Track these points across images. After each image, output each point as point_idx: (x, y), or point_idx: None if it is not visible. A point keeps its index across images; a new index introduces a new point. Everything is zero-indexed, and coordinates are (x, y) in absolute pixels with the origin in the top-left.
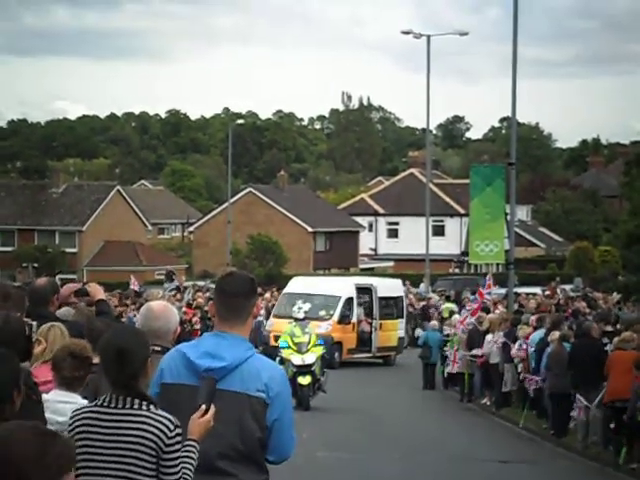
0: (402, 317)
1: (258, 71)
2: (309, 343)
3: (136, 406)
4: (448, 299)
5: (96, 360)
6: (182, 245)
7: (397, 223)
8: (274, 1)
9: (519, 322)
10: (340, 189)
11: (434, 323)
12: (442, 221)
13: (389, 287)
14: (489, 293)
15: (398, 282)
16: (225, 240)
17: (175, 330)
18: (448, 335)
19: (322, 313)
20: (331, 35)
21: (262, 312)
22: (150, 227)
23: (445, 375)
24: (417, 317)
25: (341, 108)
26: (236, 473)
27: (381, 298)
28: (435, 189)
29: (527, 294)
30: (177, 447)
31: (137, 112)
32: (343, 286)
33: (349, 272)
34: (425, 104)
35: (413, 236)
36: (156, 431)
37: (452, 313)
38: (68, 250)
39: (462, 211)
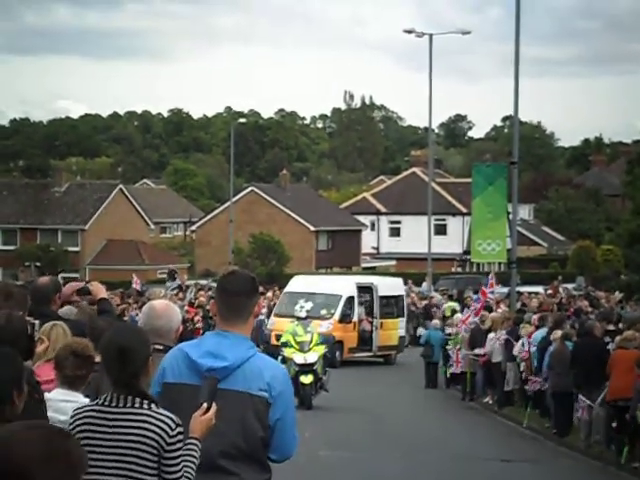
0: (403, 316)
1: (260, 70)
2: (311, 342)
3: (137, 405)
4: (451, 298)
5: (98, 359)
6: (184, 244)
7: (399, 222)
8: (275, 1)
9: (521, 321)
10: (342, 188)
11: (436, 322)
12: (444, 220)
13: (390, 286)
14: (492, 292)
15: (399, 281)
16: (227, 239)
17: (177, 329)
18: (450, 334)
19: (323, 312)
20: (333, 34)
21: (264, 311)
22: (152, 226)
23: (448, 375)
24: (419, 316)
25: (343, 107)
26: (238, 472)
27: (382, 297)
28: (437, 188)
29: (529, 293)
30: (179, 446)
31: (139, 111)
32: (344, 285)
33: (351, 271)
34: (427, 103)
35: (415, 235)
36: (158, 430)
37: (454, 312)
38: (70, 249)
39: (464, 210)
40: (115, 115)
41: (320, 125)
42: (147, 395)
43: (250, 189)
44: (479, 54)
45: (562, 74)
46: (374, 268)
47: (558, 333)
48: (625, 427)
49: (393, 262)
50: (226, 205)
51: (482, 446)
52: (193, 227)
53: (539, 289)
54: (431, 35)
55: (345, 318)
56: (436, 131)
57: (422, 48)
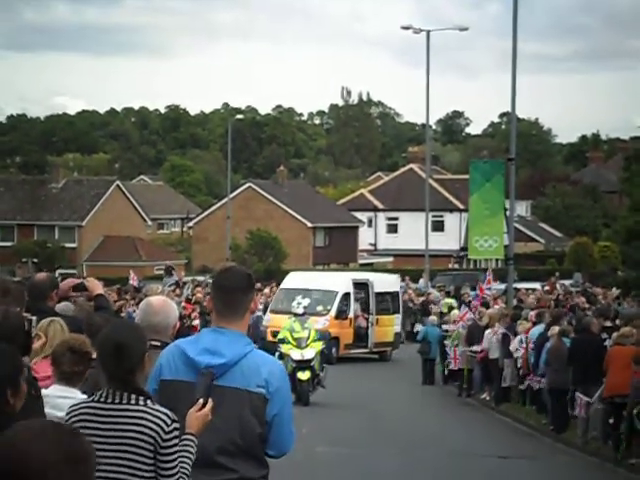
0: (398, 312)
1: (258, 66)
2: (308, 338)
3: (133, 401)
4: (448, 294)
5: (95, 355)
6: (181, 240)
7: (396, 218)
8: None
9: (519, 317)
10: (339, 184)
11: (433, 318)
12: (441, 216)
13: (385, 282)
14: (489, 288)
15: (394, 277)
16: (224, 235)
17: (174, 325)
18: (447, 331)
19: (319, 308)
20: (331, 30)
21: (260, 307)
22: (150, 222)
23: (445, 372)
24: (416, 312)
25: (340, 103)
26: (236, 468)
27: (377, 293)
28: (434, 184)
29: (526, 289)
30: (175, 441)
31: (137, 107)
32: (340, 281)
33: (348, 267)
34: (425, 99)
35: (412, 231)
36: (153, 426)
37: (451, 308)
38: (67, 245)
39: (461, 206)
40: (112, 111)
41: (317, 121)
42: (143, 391)
43: (247, 185)
44: (477, 50)
45: (560, 70)
46: (371, 264)
47: (555, 329)
48: (622, 424)
49: (390, 258)
50: (223, 201)
51: (479, 442)
52: (190, 223)
53: (536, 285)
54: (429, 31)
55: (341, 314)
56: (433, 127)
57: (420, 44)
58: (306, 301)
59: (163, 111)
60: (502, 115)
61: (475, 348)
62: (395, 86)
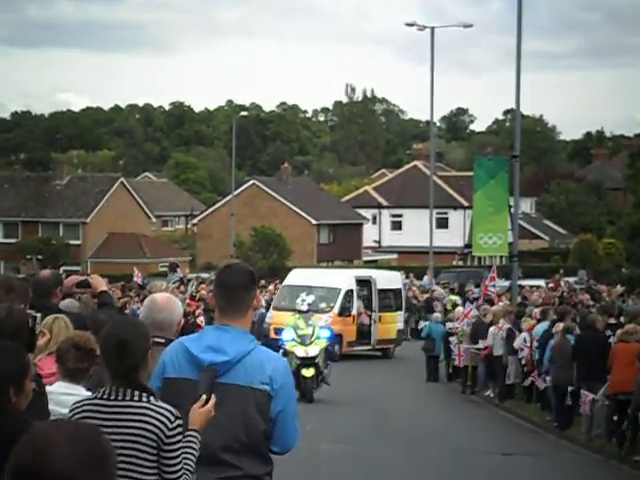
0: (401, 309)
1: (262, 64)
2: (312, 335)
3: (136, 398)
4: (452, 291)
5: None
6: (186, 237)
7: (401, 215)
8: None
9: (523, 314)
10: (344, 181)
11: (437, 315)
12: (446, 213)
13: (388, 279)
14: (493, 285)
15: (397, 274)
16: (229, 232)
17: (179, 322)
18: (451, 329)
19: (322, 305)
20: (335, 27)
21: (263, 303)
22: (154, 219)
23: (450, 370)
24: (421, 309)
25: (345, 100)
26: (241, 465)
27: (380, 290)
28: (439, 181)
29: (531, 287)
30: (178, 438)
31: (141, 104)
32: (343, 278)
33: (353, 264)
34: (429, 96)
35: (417, 228)
36: (157, 422)
37: (455, 305)
38: (72, 242)
39: (466, 204)
40: (117, 108)
41: (322, 118)
42: (146, 388)
43: (252, 182)
44: (481, 47)
45: (564, 67)
46: (376, 262)
47: (560, 326)
48: (626, 421)
49: (394, 255)
50: (228, 198)
51: (483, 439)
52: (194, 220)
53: (541, 283)
54: (433, 28)
55: (344, 312)
56: (438, 124)
57: (424, 41)
58: (310, 298)
59: (167, 108)
60: (506, 112)
61: (479, 345)
62: (399, 83)
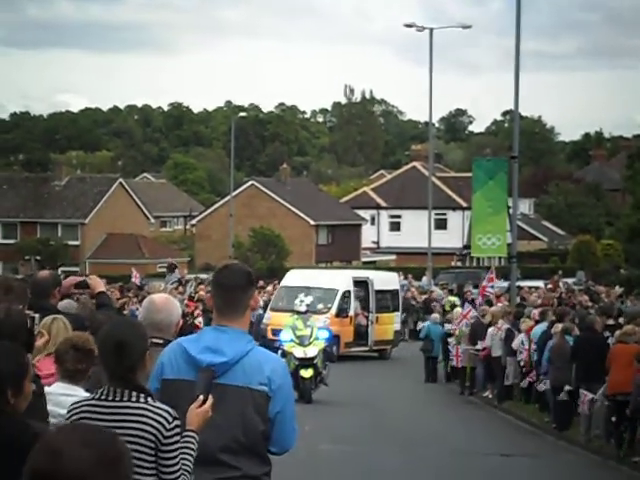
0: (398, 310)
1: (261, 64)
2: (311, 336)
3: (134, 398)
4: (451, 292)
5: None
6: (184, 238)
7: (399, 216)
8: None
9: (522, 315)
10: (342, 182)
11: (435, 316)
12: (444, 214)
13: (385, 280)
14: (492, 286)
15: (394, 275)
16: (227, 233)
17: (177, 323)
18: (450, 330)
19: (320, 306)
20: (334, 28)
21: (260, 304)
22: (152, 220)
23: (448, 370)
24: (419, 310)
25: (343, 101)
26: (239, 466)
27: (377, 291)
28: (437, 182)
29: (529, 287)
30: (176, 439)
31: (140, 105)
32: (341, 279)
33: (351, 265)
34: (428, 97)
35: (415, 229)
36: (155, 423)
37: (454, 306)
38: (70, 243)
39: (464, 204)
40: (115, 109)
41: (320, 119)
42: (144, 389)
43: (250, 183)
44: (479, 48)
45: (562, 68)
46: (374, 262)
47: (558, 327)
48: (625, 421)
49: (393, 256)
50: (226, 199)
51: (481, 440)
52: (193, 221)
53: (539, 283)
54: (432, 29)
55: (342, 313)
56: (436, 125)
57: (423, 42)
58: (309, 299)
59: (166, 109)
60: (505, 113)
61: (478, 346)
62: (398, 84)
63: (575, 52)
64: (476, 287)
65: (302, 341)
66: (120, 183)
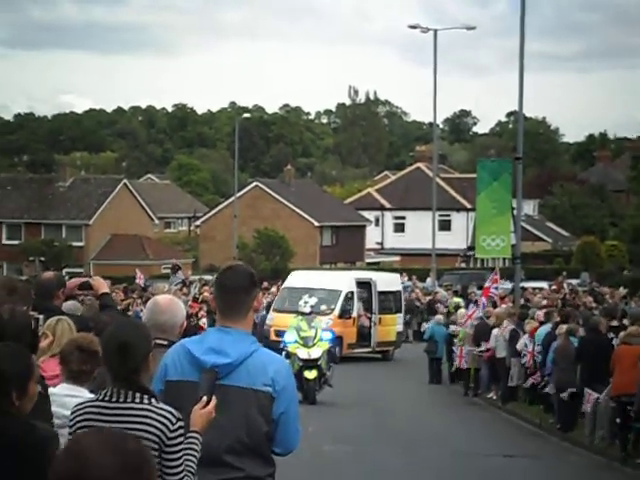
0: (400, 312)
1: (265, 65)
2: (315, 337)
3: (137, 400)
4: (456, 294)
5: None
6: (189, 239)
7: (403, 217)
8: None
9: (526, 317)
10: (347, 183)
11: (439, 317)
12: (448, 215)
13: (387, 281)
14: (496, 287)
15: (396, 276)
16: (231, 234)
17: (181, 324)
18: (454, 331)
19: (323, 308)
20: (338, 29)
21: (263, 304)
22: (157, 221)
23: (453, 370)
24: (423, 312)
25: (348, 102)
26: (243, 467)
27: (380, 292)
28: (442, 183)
29: (534, 289)
30: (180, 440)
31: (144, 106)
32: (343, 280)
33: (355, 266)
34: (432, 98)
35: (419, 230)
36: (158, 424)
37: (457, 307)
38: (75, 244)
39: (469, 205)
40: (119, 110)
41: (325, 120)
42: (147, 390)
43: (254, 184)
44: (484, 49)
45: (566, 69)
46: (378, 264)
47: (563, 328)
48: (629, 423)
49: (397, 258)
50: (230, 200)
51: (485, 441)
52: (197, 222)
53: (543, 285)
54: (436, 30)
55: (345, 314)
56: (440, 126)
57: (427, 43)
58: (313, 300)
59: (170, 110)
60: (509, 114)
61: (482, 347)
62: (402, 85)
63: (579, 53)
64: (480, 288)
65: (306, 342)
66: (124, 184)
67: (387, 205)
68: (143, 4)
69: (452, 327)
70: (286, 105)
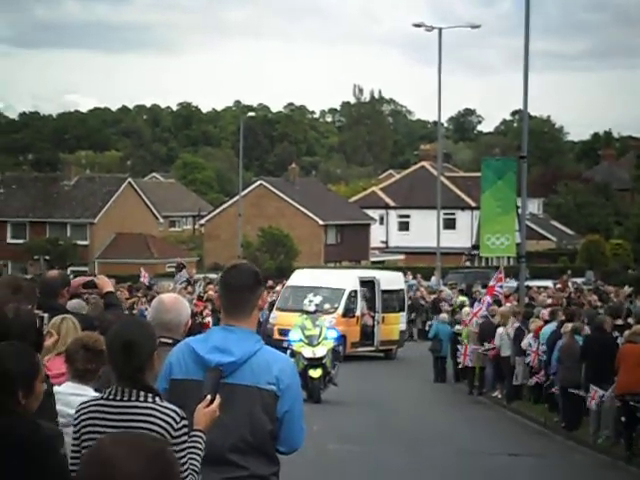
0: (404, 310)
1: (270, 64)
2: (320, 336)
3: (142, 398)
4: (461, 292)
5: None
6: (193, 238)
7: (408, 216)
8: None
9: (531, 315)
10: (351, 182)
11: (444, 316)
12: (453, 214)
13: (391, 280)
14: (500, 286)
15: (399, 275)
16: (236, 233)
17: (186, 323)
18: (459, 330)
19: (327, 306)
20: (342, 28)
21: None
22: (161, 220)
23: (459, 367)
24: (428, 310)
25: (352, 101)
26: (247, 466)
27: (383, 291)
28: (446, 182)
29: (538, 287)
30: (184, 438)
31: (148, 105)
32: (347, 279)
33: (360, 265)
34: (436, 97)
35: (424, 229)
36: (163, 423)
37: (462, 306)
38: (79, 242)
39: (473, 204)
40: (124, 109)
41: (329, 119)
42: (152, 388)
43: (259, 183)
44: (488, 48)
45: (572, 68)
46: (383, 262)
47: (568, 327)
48: (634, 422)
49: (402, 256)
50: (235, 199)
51: (490, 440)
52: (202, 221)
53: (548, 283)
54: (440, 29)
55: (348, 312)
56: (445, 125)
57: (431, 42)
58: (318, 299)
59: (175, 108)
60: (514, 113)
61: (487, 346)
62: (407, 84)
63: (584, 52)
64: (485, 287)
65: (311, 341)
66: (129, 183)
67: (392, 204)
68: (147, 3)
69: (457, 326)
70: (291, 104)
